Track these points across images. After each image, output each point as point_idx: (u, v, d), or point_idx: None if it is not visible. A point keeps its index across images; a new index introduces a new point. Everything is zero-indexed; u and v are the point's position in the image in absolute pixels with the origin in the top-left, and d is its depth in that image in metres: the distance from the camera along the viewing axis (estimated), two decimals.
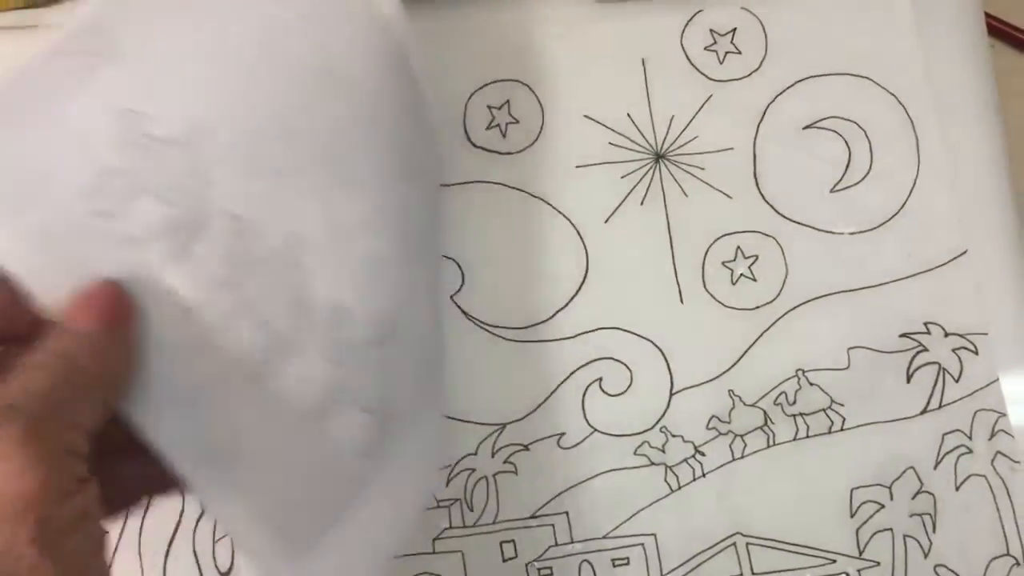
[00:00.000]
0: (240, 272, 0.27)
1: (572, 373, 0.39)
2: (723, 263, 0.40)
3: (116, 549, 0.37)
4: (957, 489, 0.39)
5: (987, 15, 0.46)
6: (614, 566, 0.38)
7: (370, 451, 0.29)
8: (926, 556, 0.38)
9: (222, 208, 0.27)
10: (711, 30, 0.43)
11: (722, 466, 0.39)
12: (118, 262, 0.26)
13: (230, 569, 0.37)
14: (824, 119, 0.42)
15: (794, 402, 0.39)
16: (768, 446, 0.39)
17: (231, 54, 0.29)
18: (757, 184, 0.41)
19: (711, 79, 0.42)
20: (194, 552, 0.38)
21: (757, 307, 0.40)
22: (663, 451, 0.39)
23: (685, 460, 0.39)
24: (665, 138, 0.41)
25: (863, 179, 0.41)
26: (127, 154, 0.27)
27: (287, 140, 0.29)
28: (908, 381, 0.40)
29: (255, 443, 0.27)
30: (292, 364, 0.28)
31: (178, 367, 0.26)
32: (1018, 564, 0.38)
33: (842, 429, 0.39)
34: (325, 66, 0.30)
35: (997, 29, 0.51)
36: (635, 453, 0.39)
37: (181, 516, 0.38)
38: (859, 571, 0.38)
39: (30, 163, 0.27)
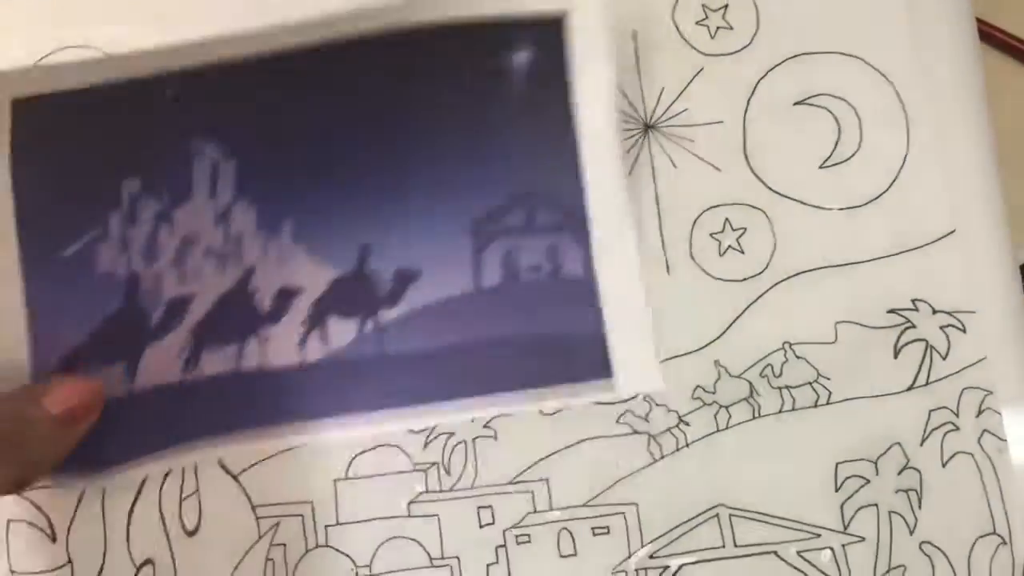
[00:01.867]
0: None
1: None
2: (711, 234, 0.40)
3: (78, 507, 0.36)
4: (943, 466, 0.38)
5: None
6: (594, 535, 0.37)
7: None
8: (911, 533, 0.37)
9: None
10: (703, 5, 0.42)
11: (706, 436, 0.38)
12: None
13: (197, 528, 0.36)
14: (815, 96, 0.42)
15: (780, 374, 0.39)
16: (753, 417, 0.38)
17: None
18: (747, 157, 0.41)
19: (702, 53, 0.42)
20: (160, 511, 0.36)
21: (745, 279, 0.40)
22: (647, 420, 0.38)
23: (669, 430, 0.38)
24: (655, 109, 0.41)
25: (852, 156, 0.41)
26: None
27: None
28: (895, 357, 0.39)
29: None
30: None
31: None
32: (1004, 543, 0.37)
33: (828, 403, 0.38)
34: None
35: (981, 31, 0.51)
36: (618, 421, 0.38)
37: (146, 475, 0.36)
38: (843, 546, 0.37)
39: None
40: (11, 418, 0.26)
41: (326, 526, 0.36)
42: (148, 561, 0.36)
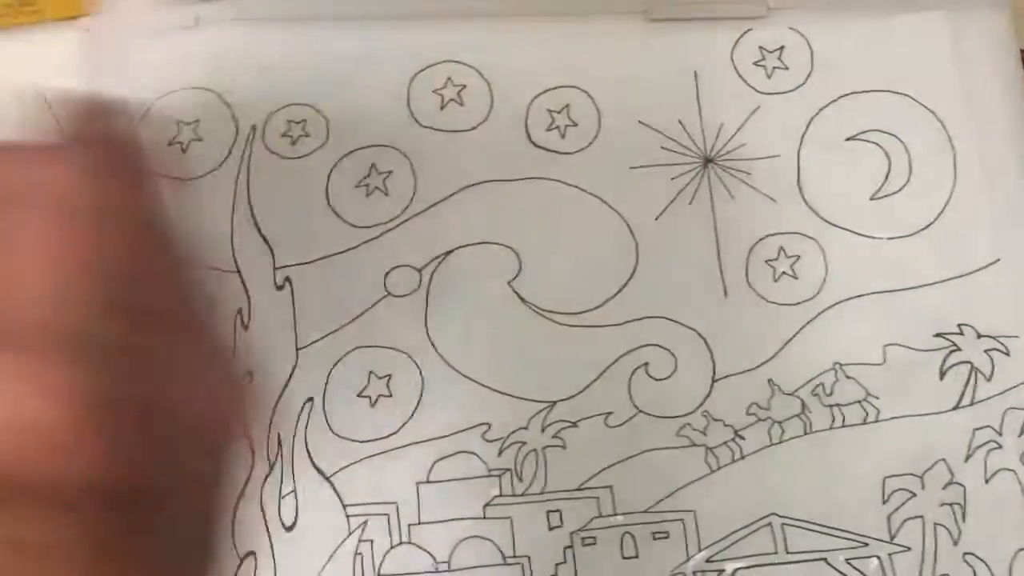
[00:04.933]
0: None
1: (620, 357, 0.42)
2: (766, 261, 0.43)
3: None
4: (986, 482, 0.40)
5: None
6: (654, 539, 0.40)
7: None
8: (955, 544, 0.40)
9: None
10: (760, 47, 0.45)
11: (760, 450, 0.41)
12: None
13: (294, 524, 0.40)
14: (866, 132, 0.44)
15: (831, 393, 0.41)
16: (805, 433, 0.41)
17: None
18: (800, 190, 0.44)
19: (759, 92, 0.45)
20: (261, 507, 0.40)
21: (798, 303, 0.42)
22: (704, 433, 0.41)
23: (725, 443, 0.41)
24: (714, 144, 0.44)
25: (902, 189, 0.44)
26: None
27: None
28: (941, 378, 0.42)
29: None
30: None
31: None
32: None
33: (876, 420, 0.41)
34: None
35: None
36: (677, 434, 0.41)
37: (250, 474, 0.40)
38: (890, 555, 0.40)
39: None
40: None
41: (409, 525, 0.40)
42: (250, 553, 0.40)
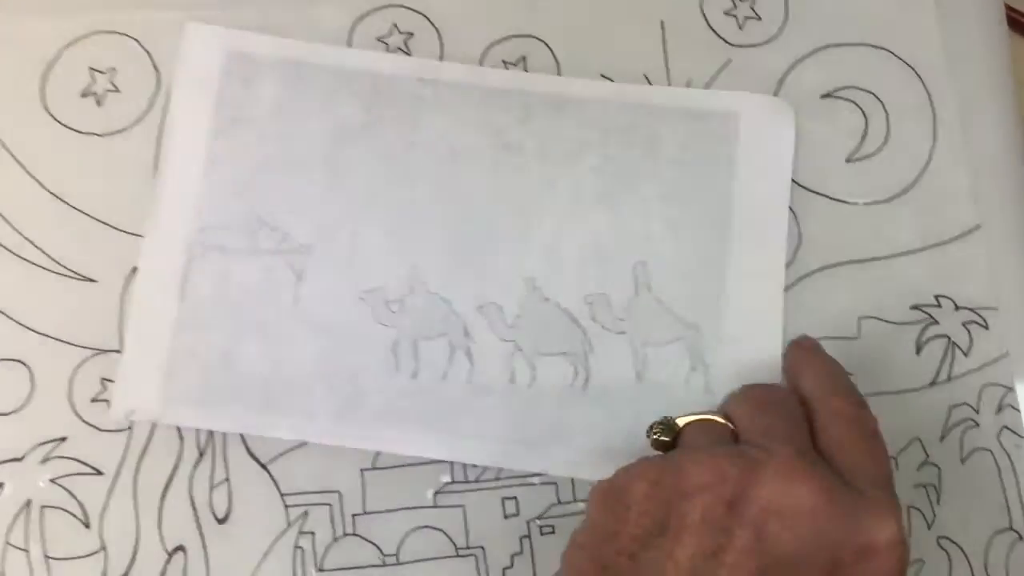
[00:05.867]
0: None
1: None
2: None
3: (110, 494, 0.37)
4: (962, 462, 0.39)
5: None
6: None
7: None
8: (929, 527, 0.38)
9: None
10: None
11: None
12: None
13: (227, 515, 0.37)
14: (842, 88, 0.41)
15: None
16: None
17: None
18: None
19: (730, 44, 0.42)
20: (191, 498, 0.37)
21: None
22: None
23: None
24: None
25: (879, 151, 0.41)
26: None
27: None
28: (918, 353, 0.39)
29: None
30: None
31: None
32: (1021, 539, 0.38)
33: None
34: None
35: (1012, 20, 0.51)
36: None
37: (178, 462, 0.37)
38: None
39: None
40: None
41: (353, 515, 0.37)
42: (180, 548, 0.36)
